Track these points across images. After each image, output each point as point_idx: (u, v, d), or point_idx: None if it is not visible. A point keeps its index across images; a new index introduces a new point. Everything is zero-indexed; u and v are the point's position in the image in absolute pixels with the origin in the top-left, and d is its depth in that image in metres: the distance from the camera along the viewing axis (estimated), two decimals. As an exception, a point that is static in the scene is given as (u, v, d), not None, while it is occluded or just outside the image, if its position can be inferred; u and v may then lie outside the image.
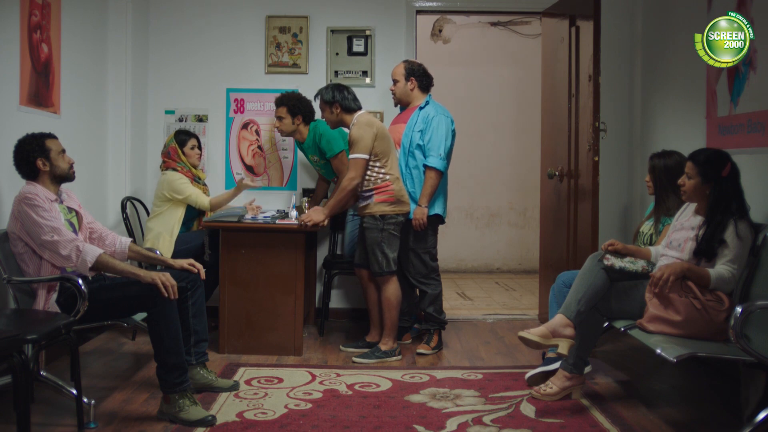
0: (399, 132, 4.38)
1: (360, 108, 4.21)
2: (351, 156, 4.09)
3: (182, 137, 4.62)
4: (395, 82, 4.44)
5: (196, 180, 4.62)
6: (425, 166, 4.25)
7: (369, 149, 4.04)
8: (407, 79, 4.39)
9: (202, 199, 4.51)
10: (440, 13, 6.92)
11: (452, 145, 4.37)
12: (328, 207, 4.15)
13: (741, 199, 3.14)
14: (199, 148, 4.71)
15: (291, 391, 3.53)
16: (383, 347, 4.17)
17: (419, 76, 4.40)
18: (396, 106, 4.58)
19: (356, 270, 4.39)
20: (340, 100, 4.15)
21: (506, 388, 3.61)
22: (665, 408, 3.39)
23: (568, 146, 4.71)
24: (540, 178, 5.31)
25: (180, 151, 4.56)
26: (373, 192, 4.10)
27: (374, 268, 4.16)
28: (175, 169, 4.53)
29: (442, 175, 4.28)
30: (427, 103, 4.39)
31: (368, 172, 4.11)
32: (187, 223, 4.55)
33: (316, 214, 4.11)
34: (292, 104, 4.58)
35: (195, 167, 4.65)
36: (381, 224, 4.11)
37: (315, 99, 4.33)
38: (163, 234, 4.41)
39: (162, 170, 4.61)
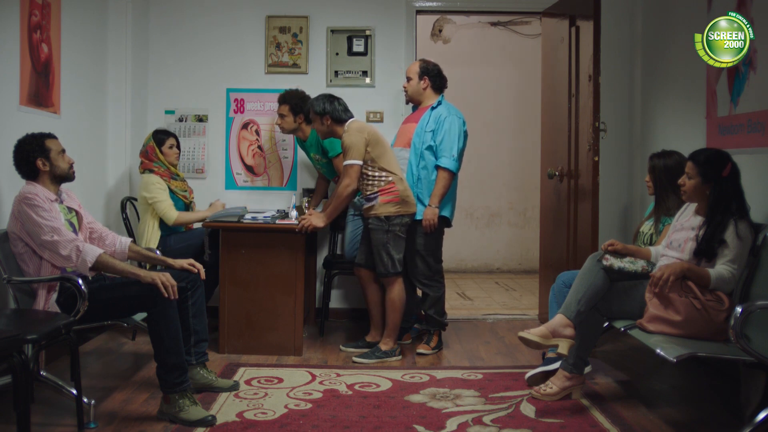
0: (410, 131, 4.37)
1: (351, 118, 4.22)
2: (345, 163, 4.11)
3: (161, 136, 4.54)
4: (408, 79, 4.43)
5: (175, 177, 4.56)
6: (437, 166, 4.24)
7: (362, 155, 4.07)
8: (420, 77, 4.38)
9: (169, 212, 4.41)
10: (440, 13, 6.92)
11: (464, 146, 4.34)
12: (327, 214, 4.18)
13: (741, 199, 3.14)
14: (178, 147, 4.63)
15: (291, 391, 3.53)
16: (383, 347, 4.17)
17: (433, 76, 4.39)
18: (407, 104, 4.59)
19: (356, 270, 4.37)
20: (331, 111, 4.16)
21: (506, 388, 3.61)
22: (665, 408, 3.40)
23: (568, 146, 4.71)
24: (540, 178, 5.31)
25: (158, 150, 4.51)
26: (378, 193, 4.10)
27: (380, 269, 4.15)
28: (152, 171, 4.49)
29: (454, 176, 4.27)
30: (439, 103, 4.37)
31: (370, 177, 4.11)
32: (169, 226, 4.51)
33: (317, 220, 4.13)
34: (295, 103, 4.57)
35: (174, 166, 4.60)
36: (386, 225, 4.10)
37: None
38: (146, 234, 4.40)
39: (140, 172, 4.56)
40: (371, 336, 4.38)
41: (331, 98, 4.21)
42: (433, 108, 4.35)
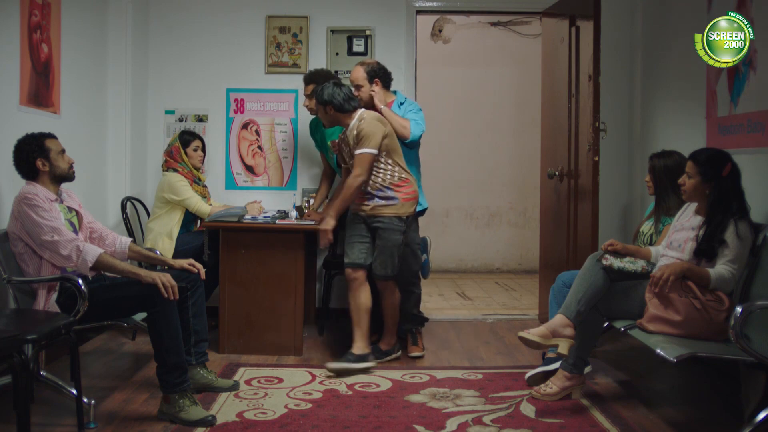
0: None
1: (356, 108, 4.03)
2: (359, 151, 3.89)
3: (186, 137, 4.61)
4: (359, 87, 4.22)
5: (196, 181, 4.61)
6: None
7: (377, 145, 3.90)
8: (371, 81, 4.21)
9: (202, 206, 4.48)
10: (440, 13, 6.91)
11: (420, 134, 4.25)
12: (334, 208, 3.95)
13: (741, 200, 3.14)
14: (203, 150, 4.70)
15: (291, 391, 3.53)
16: (384, 347, 4.13)
17: (382, 76, 4.26)
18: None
19: (353, 271, 3.99)
20: (330, 100, 3.97)
21: (506, 388, 3.61)
22: (665, 408, 3.40)
23: (568, 146, 4.71)
24: (540, 178, 5.31)
25: (183, 151, 4.56)
26: (395, 191, 3.94)
27: (383, 272, 3.96)
28: (175, 170, 4.53)
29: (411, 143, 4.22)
30: (406, 99, 4.35)
31: (384, 170, 3.96)
32: (187, 225, 4.54)
33: (326, 224, 3.91)
34: (322, 81, 4.38)
35: (197, 169, 4.64)
36: (404, 226, 3.97)
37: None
38: (162, 236, 4.41)
39: (163, 170, 4.61)
40: (359, 348, 3.94)
41: (333, 86, 4.00)
42: (401, 104, 4.27)
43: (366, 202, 4.00)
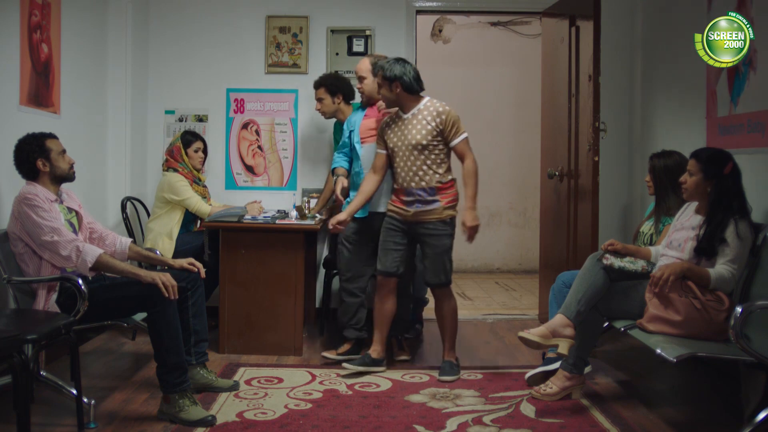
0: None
1: (422, 89, 3.86)
2: (459, 138, 3.84)
3: (188, 138, 4.62)
4: (362, 79, 4.13)
5: (196, 182, 4.61)
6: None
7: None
8: (375, 74, 3.99)
9: (202, 206, 4.49)
10: (440, 13, 6.92)
11: None
12: (473, 199, 3.87)
13: (742, 199, 3.14)
14: (204, 152, 4.70)
15: (291, 391, 3.53)
16: (452, 358, 3.90)
17: None
18: (362, 104, 4.28)
19: (384, 278, 3.88)
20: (400, 76, 3.74)
21: (506, 388, 3.61)
22: (665, 408, 3.39)
23: (568, 146, 4.71)
24: (540, 178, 5.31)
25: (183, 152, 4.56)
26: (438, 193, 3.80)
27: (438, 279, 3.81)
28: (176, 170, 4.53)
29: None
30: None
31: (437, 165, 3.81)
32: (187, 225, 4.54)
33: (471, 220, 3.92)
34: (330, 83, 4.49)
35: (197, 170, 4.64)
36: (450, 229, 3.85)
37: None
38: (162, 236, 4.41)
39: (164, 170, 4.61)
40: (376, 352, 3.90)
41: (403, 62, 3.80)
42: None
43: (406, 207, 3.81)
